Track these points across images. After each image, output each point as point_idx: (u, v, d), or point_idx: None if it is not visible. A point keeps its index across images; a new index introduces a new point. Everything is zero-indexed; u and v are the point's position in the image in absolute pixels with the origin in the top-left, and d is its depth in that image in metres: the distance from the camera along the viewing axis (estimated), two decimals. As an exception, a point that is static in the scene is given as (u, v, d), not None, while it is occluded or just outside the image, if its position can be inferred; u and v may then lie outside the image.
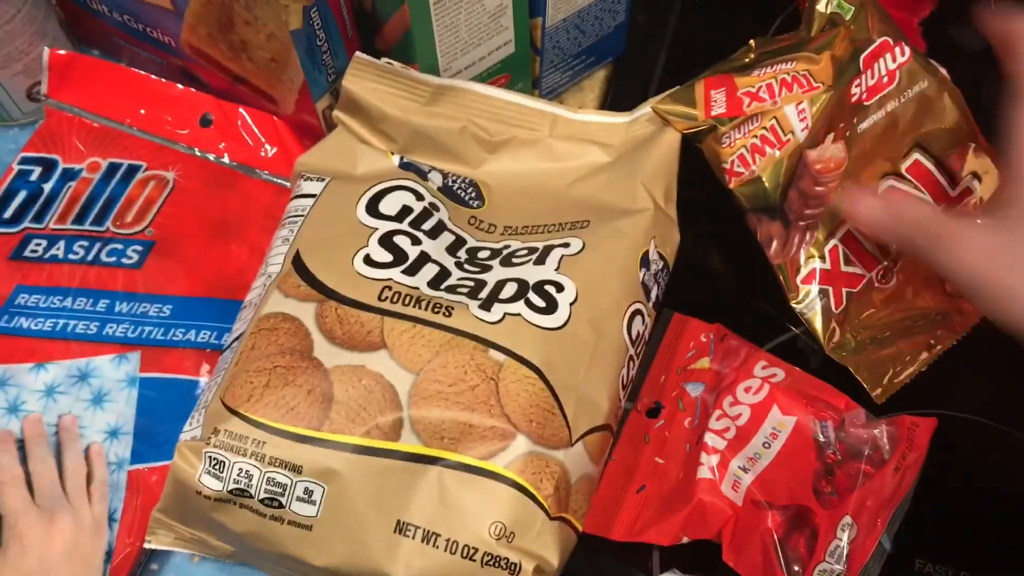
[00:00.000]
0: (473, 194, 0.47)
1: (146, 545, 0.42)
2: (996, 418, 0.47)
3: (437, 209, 0.45)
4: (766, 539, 0.41)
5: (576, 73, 0.57)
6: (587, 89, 0.58)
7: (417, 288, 0.41)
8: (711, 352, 0.47)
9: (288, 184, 0.52)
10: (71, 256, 0.50)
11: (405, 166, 0.47)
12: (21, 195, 0.52)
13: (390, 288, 0.41)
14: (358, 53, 0.46)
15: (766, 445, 0.43)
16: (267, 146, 0.52)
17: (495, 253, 0.44)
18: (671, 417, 0.46)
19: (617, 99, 0.57)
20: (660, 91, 0.47)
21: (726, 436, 0.43)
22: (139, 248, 0.50)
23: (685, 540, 0.42)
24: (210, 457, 0.38)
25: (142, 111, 0.53)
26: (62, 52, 0.53)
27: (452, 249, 0.44)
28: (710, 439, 0.43)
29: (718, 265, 0.53)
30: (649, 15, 0.59)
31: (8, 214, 0.51)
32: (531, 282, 0.42)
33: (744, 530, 0.41)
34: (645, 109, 0.47)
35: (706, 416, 0.45)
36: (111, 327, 0.48)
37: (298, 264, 0.43)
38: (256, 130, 0.53)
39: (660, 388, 0.47)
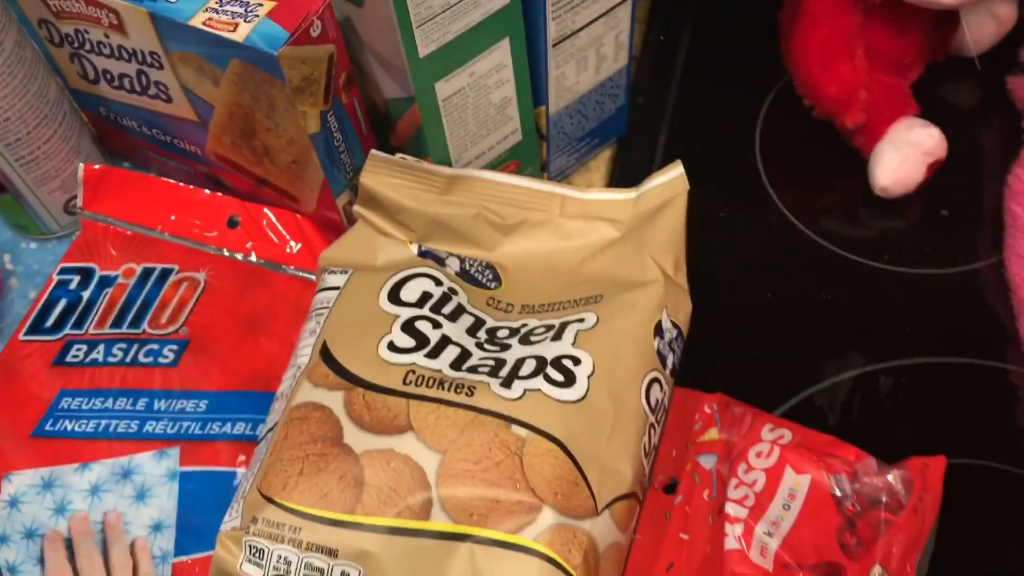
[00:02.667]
0: (490, 276, 0.49)
1: (193, 635, 0.43)
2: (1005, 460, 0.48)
3: (456, 293, 0.47)
4: (800, 600, 0.41)
5: (582, 155, 0.59)
6: (594, 169, 0.60)
7: (440, 371, 0.43)
8: (717, 422, 0.48)
9: (313, 277, 0.54)
10: (110, 359, 0.52)
11: (424, 254, 0.49)
12: (61, 303, 0.54)
13: (414, 372, 0.43)
14: (373, 151, 0.49)
15: (786, 507, 0.44)
16: (292, 243, 0.55)
17: (513, 332, 0.46)
18: (689, 492, 0.47)
19: (623, 176, 0.60)
20: (663, 165, 0.50)
21: (746, 504, 0.44)
22: (174, 347, 0.52)
23: (721, 614, 0.43)
24: (250, 546, 0.40)
25: (172, 217, 0.56)
26: (96, 167, 0.56)
27: (472, 330, 0.46)
28: (731, 508, 0.44)
29: (715, 336, 0.54)
30: (648, 96, 0.62)
31: (50, 323, 0.54)
32: (549, 358, 0.43)
33: (777, 594, 0.42)
34: (650, 184, 0.50)
35: (723, 486, 0.46)
36: (151, 424, 0.50)
37: (326, 354, 0.45)
38: (281, 228, 0.55)
39: (673, 463, 0.48)
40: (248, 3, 0.44)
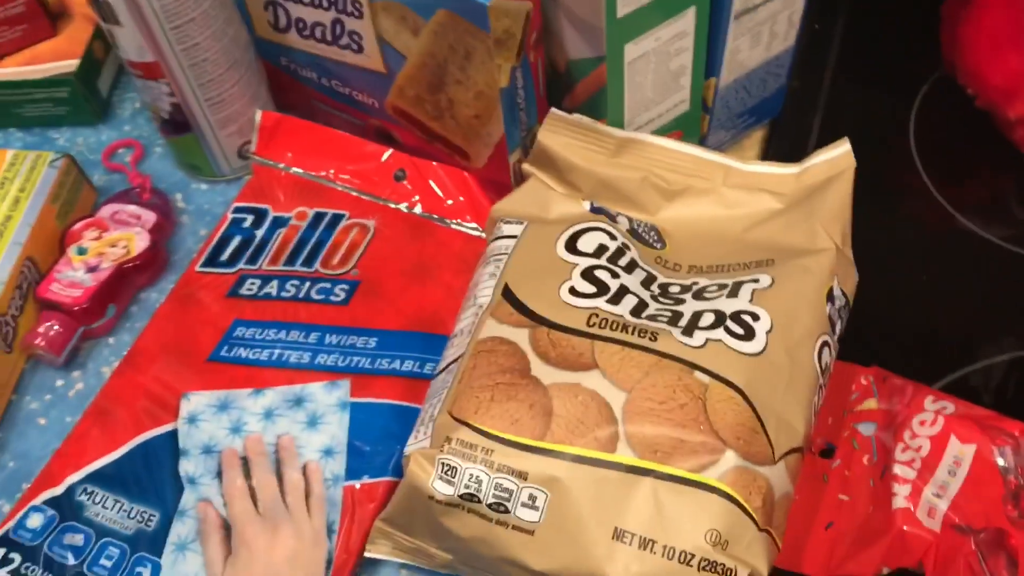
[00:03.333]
0: (655, 237, 0.51)
1: (367, 554, 0.45)
2: None
3: (628, 248, 0.49)
4: (971, 561, 0.42)
5: (738, 132, 0.60)
6: (747, 147, 0.62)
7: (622, 316, 0.45)
8: (875, 393, 0.49)
9: (474, 232, 0.56)
10: (284, 294, 0.54)
11: (596, 210, 0.51)
12: (236, 240, 0.57)
13: (597, 315, 0.45)
14: (553, 109, 0.51)
15: (951, 473, 0.45)
16: (457, 198, 0.57)
17: (685, 288, 0.47)
18: (848, 456, 0.48)
19: (775, 157, 0.61)
20: (818, 149, 0.51)
21: (914, 467, 0.45)
22: (346, 287, 0.54)
23: (885, 572, 0.43)
24: (443, 463, 0.41)
25: (343, 167, 0.59)
26: (273, 114, 0.59)
27: (646, 284, 0.47)
28: (900, 470, 0.45)
29: (870, 312, 0.55)
30: (803, 80, 0.63)
31: (225, 256, 0.56)
32: (728, 312, 0.45)
33: (947, 555, 0.43)
34: (815, 159, 0.51)
35: (883, 452, 0.47)
36: (323, 356, 0.52)
37: (508, 295, 0.46)
38: (447, 183, 0.57)
39: (829, 429, 0.49)
40: (460, -44, 0.46)
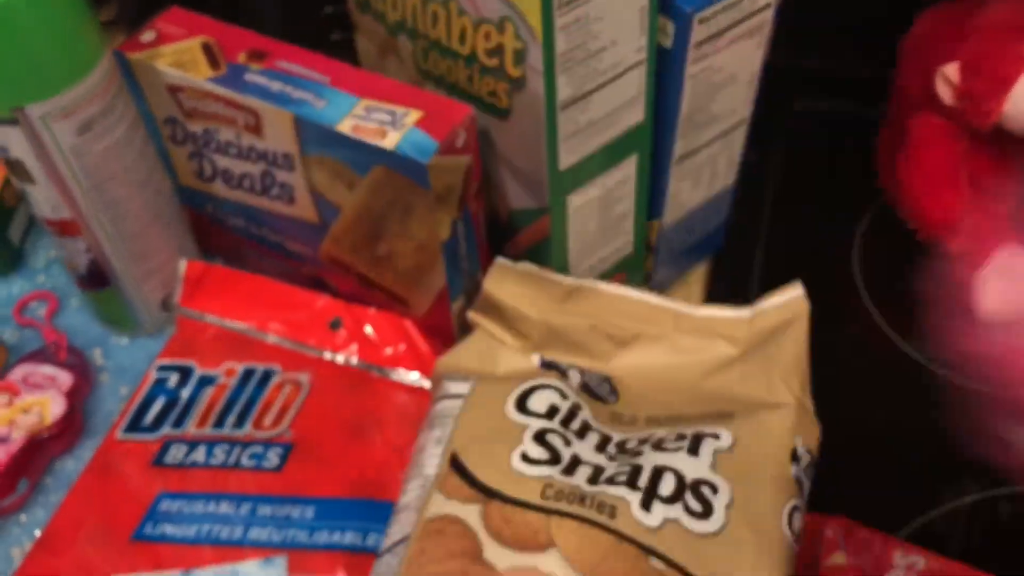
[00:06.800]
0: (607, 389, 0.49)
1: None
2: None
3: (580, 408, 0.47)
4: None
5: (683, 268, 0.60)
6: (692, 282, 0.61)
7: (578, 487, 0.42)
8: (842, 546, 0.47)
9: (417, 383, 0.53)
10: (212, 460, 0.51)
11: (546, 365, 0.49)
12: (160, 401, 0.53)
13: (551, 486, 0.42)
14: (500, 258, 0.49)
15: (928, 637, 0.43)
16: (396, 346, 0.54)
17: (643, 440, 0.45)
18: (818, 617, 0.46)
19: (720, 290, 0.60)
20: (763, 280, 0.50)
21: (887, 630, 0.43)
22: (279, 451, 0.51)
23: None
24: (392, 669, 0.38)
25: (273, 317, 0.56)
26: (197, 264, 0.56)
27: (601, 447, 0.45)
28: (873, 634, 0.43)
29: (827, 458, 0.54)
30: (744, 213, 0.62)
31: (148, 421, 0.52)
32: (688, 479, 0.42)
33: None
34: (767, 303, 0.50)
35: (856, 612, 0.45)
36: (256, 531, 0.48)
37: (457, 465, 0.43)
38: (385, 331, 0.55)
39: (798, 587, 0.47)
40: (395, 112, 0.45)
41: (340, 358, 0.55)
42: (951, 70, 0.53)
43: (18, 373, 0.54)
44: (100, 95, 0.47)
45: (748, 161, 0.65)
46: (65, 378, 0.54)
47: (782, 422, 0.45)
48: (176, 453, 0.51)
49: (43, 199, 0.49)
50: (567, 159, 0.45)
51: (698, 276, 0.61)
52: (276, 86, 0.47)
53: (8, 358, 0.57)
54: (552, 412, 0.46)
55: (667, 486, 0.42)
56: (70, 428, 0.53)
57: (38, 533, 0.49)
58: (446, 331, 0.54)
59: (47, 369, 0.55)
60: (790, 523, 0.43)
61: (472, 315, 0.50)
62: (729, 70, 0.48)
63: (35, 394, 0.53)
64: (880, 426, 0.54)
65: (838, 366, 0.56)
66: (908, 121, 0.56)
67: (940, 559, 0.45)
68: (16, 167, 0.48)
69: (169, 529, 0.48)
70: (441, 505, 0.42)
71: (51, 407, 0.53)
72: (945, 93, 0.54)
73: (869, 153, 0.61)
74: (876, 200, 0.62)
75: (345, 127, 0.45)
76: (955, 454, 0.52)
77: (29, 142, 0.46)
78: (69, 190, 0.48)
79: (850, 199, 0.63)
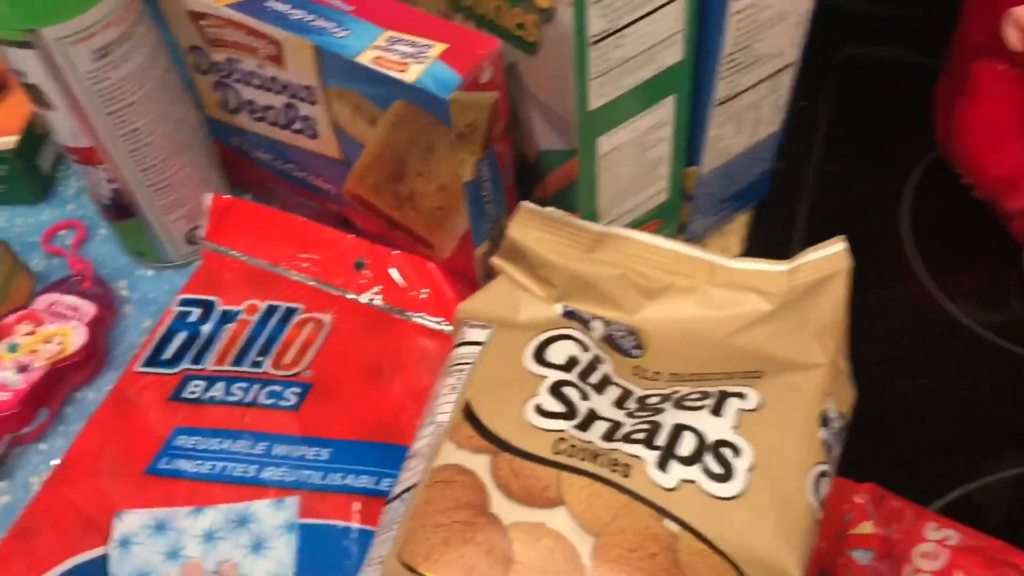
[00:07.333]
0: (633, 343, 0.47)
1: None
2: None
3: (602, 361, 0.45)
4: None
5: (721, 219, 0.57)
6: (730, 233, 0.58)
7: (592, 443, 0.41)
8: (872, 515, 0.45)
9: (438, 326, 0.52)
10: (229, 398, 0.50)
11: (568, 314, 0.47)
12: (180, 336, 0.53)
13: (564, 440, 0.41)
14: (524, 203, 0.47)
15: (957, 614, 0.41)
16: (420, 290, 0.53)
17: (665, 397, 0.43)
18: (842, 585, 0.44)
19: (760, 243, 0.57)
20: (805, 236, 0.47)
21: (914, 605, 0.41)
22: (297, 390, 0.50)
23: None
24: (391, 618, 0.37)
25: (298, 255, 0.55)
26: (223, 198, 0.55)
27: (620, 402, 0.43)
28: (899, 608, 0.41)
29: (863, 422, 0.52)
30: (790, 162, 0.59)
31: (168, 355, 0.52)
32: (708, 440, 0.40)
33: None
34: (806, 258, 0.47)
35: (882, 582, 0.43)
36: (270, 471, 0.47)
37: (469, 414, 0.42)
38: (409, 274, 0.53)
39: (822, 555, 0.45)
40: (419, 43, 0.43)
41: (363, 299, 0.53)
42: (1022, 12, 0.49)
43: (42, 302, 0.54)
44: (118, 20, 0.45)
45: (796, 108, 0.62)
46: (89, 308, 0.54)
47: (813, 383, 0.43)
48: (194, 388, 0.51)
49: (62, 126, 0.48)
50: (597, 99, 0.43)
51: (737, 227, 0.58)
52: (298, 14, 0.45)
53: (35, 286, 0.57)
54: (571, 364, 0.44)
55: (686, 446, 0.40)
56: (92, 359, 0.53)
57: (56, 463, 0.49)
58: (470, 276, 0.52)
59: (71, 299, 0.54)
60: (816, 489, 0.41)
61: (496, 261, 0.48)
62: (777, 8, 0.45)
63: (58, 323, 0.53)
64: (921, 392, 0.51)
65: (881, 327, 0.53)
66: (970, 67, 0.52)
67: (975, 534, 0.43)
68: (34, 92, 0.47)
69: (183, 464, 0.48)
70: (450, 454, 0.41)
71: (73, 337, 0.53)
72: (1014, 38, 0.50)
73: (924, 104, 0.58)
74: (930, 154, 0.58)
75: (366, 58, 0.43)
76: (1000, 424, 0.50)
77: (45, 66, 0.44)
78: (87, 117, 0.47)
79: (902, 152, 0.59)
